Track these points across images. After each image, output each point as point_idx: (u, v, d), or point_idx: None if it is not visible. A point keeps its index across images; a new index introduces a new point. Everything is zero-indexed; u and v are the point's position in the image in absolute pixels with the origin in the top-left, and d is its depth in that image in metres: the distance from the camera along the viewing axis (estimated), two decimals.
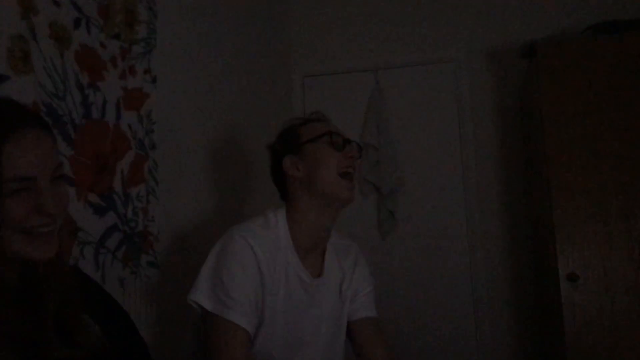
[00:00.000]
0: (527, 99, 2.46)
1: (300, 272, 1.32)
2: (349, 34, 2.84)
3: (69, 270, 0.89)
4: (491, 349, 2.52)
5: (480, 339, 2.50)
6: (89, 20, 1.46)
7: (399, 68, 2.80)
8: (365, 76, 2.81)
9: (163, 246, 1.70)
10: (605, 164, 2.11)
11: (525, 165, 2.55)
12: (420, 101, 2.73)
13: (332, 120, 1.42)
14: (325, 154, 1.31)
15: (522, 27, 2.64)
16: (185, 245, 1.75)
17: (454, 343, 2.51)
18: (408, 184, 2.68)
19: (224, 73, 2.15)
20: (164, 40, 1.73)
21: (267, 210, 1.37)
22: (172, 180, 1.77)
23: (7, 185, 0.75)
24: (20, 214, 0.77)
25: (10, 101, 0.85)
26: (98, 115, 1.51)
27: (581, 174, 2.11)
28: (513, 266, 2.55)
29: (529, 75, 2.40)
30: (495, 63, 2.70)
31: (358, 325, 1.44)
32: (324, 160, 1.31)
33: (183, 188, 1.84)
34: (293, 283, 1.31)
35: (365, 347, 1.40)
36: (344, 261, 1.44)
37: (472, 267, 2.60)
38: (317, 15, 2.79)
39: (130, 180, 1.61)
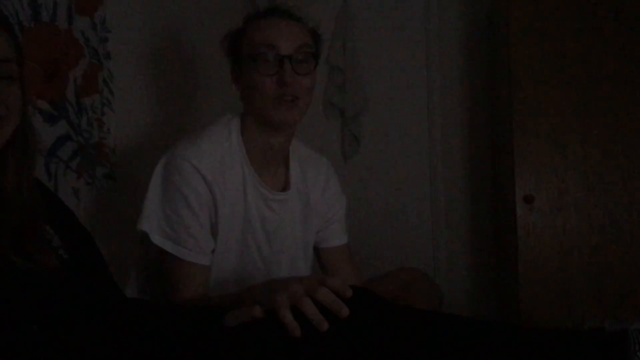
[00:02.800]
0: (495, 17, 2.45)
1: (259, 186, 1.28)
2: None
3: (31, 184, 0.90)
4: (448, 271, 2.59)
5: (437, 263, 2.58)
6: None
7: None
8: None
9: (119, 158, 1.71)
10: (569, 85, 2.12)
11: (489, 87, 2.56)
12: (388, 23, 2.68)
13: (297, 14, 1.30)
14: (256, 77, 1.22)
15: None
16: (140, 157, 1.76)
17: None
18: (373, 109, 2.68)
19: None
20: None
21: (224, 116, 1.32)
22: (128, 91, 1.75)
23: None
24: None
25: None
26: (48, 19, 1.48)
27: (543, 94, 2.12)
28: (472, 188, 2.60)
29: None
30: None
31: (328, 253, 1.44)
32: (255, 84, 1.23)
33: (140, 99, 1.83)
34: (253, 198, 1.28)
35: (335, 275, 1.36)
36: (311, 174, 1.41)
37: (432, 191, 2.64)
38: None
39: (84, 89, 1.60)
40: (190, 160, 1.20)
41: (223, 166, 1.24)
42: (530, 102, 2.13)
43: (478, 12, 2.59)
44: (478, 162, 2.62)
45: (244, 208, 1.27)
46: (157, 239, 1.22)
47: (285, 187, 1.34)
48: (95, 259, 0.98)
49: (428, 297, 1.32)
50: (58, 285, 0.82)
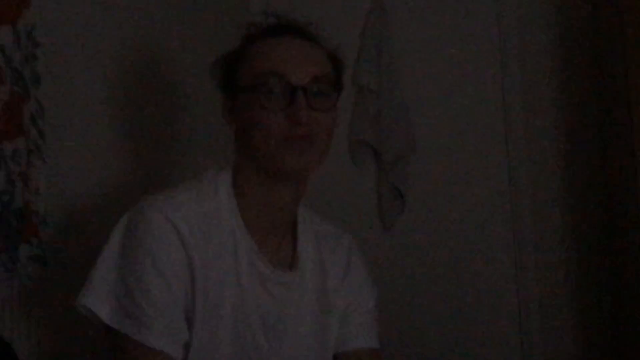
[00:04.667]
0: (601, 25, 2.39)
1: (256, 260, 1.28)
2: None
3: None
4: None
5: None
6: None
7: None
8: None
9: (52, 231, 1.60)
10: None
11: (598, 126, 2.45)
12: (443, 26, 2.57)
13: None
14: (259, 114, 1.24)
15: None
16: (85, 229, 1.66)
17: None
18: (423, 149, 2.57)
19: None
20: None
21: (206, 172, 1.34)
22: (66, 132, 1.66)
23: None
24: None
25: None
26: None
27: None
28: (578, 270, 2.47)
29: None
30: None
31: (351, 358, 1.41)
32: (257, 122, 1.25)
33: (82, 144, 1.72)
34: (247, 276, 1.28)
35: None
36: (328, 255, 1.42)
37: (518, 271, 2.49)
38: None
39: (3, 131, 1.50)
40: (165, 212, 1.22)
41: (208, 229, 1.25)
42: None
43: (575, 9, 2.50)
44: (585, 230, 2.47)
45: (235, 289, 1.26)
46: (108, 317, 1.20)
47: (291, 265, 1.34)
48: None
49: None
50: None
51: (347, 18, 2.66)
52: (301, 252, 1.37)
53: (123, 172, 1.87)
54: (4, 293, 1.46)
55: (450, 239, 2.56)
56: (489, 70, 2.59)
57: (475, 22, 2.60)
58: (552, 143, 2.52)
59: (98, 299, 1.21)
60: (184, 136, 2.11)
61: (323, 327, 1.39)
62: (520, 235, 2.51)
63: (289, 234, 1.37)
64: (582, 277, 2.49)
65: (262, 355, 1.30)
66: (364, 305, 1.46)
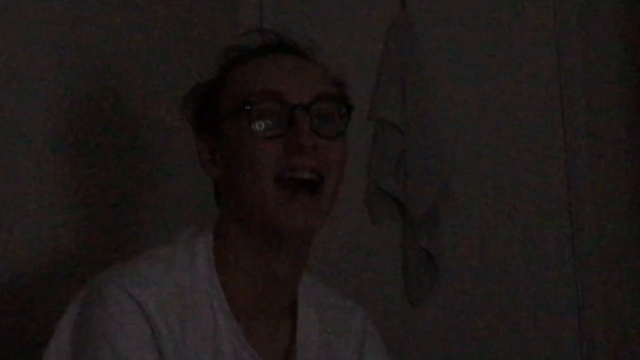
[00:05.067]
0: None
1: (241, 351, 1.21)
2: None
3: None
4: None
5: None
6: None
7: None
8: None
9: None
10: None
11: None
12: (487, 44, 2.47)
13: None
14: (249, 142, 1.16)
15: None
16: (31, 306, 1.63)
17: None
18: (461, 202, 2.38)
19: None
20: None
21: (180, 235, 1.26)
22: (10, 186, 1.57)
23: None
24: None
25: None
26: None
27: None
28: None
29: None
30: None
31: None
32: (247, 153, 1.16)
33: (34, 201, 1.65)
34: None
35: None
36: (337, 337, 1.35)
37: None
38: None
39: None
40: (127, 288, 1.14)
41: (182, 310, 1.18)
42: None
43: None
44: None
45: None
46: None
47: (288, 356, 1.29)
48: None
49: None
50: None
51: (363, 37, 2.59)
52: (302, 339, 1.28)
53: (77, 235, 1.75)
54: None
55: (494, 315, 2.41)
56: (546, 95, 2.45)
57: (529, 38, 2.47)
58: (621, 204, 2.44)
59: None
60: (153, 190, 1.98)
61: None
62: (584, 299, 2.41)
63: (287, 315, 1.28)
64: None
65: None
66: None
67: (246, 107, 1.13)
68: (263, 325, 1.25)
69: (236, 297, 1.21)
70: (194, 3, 2.31)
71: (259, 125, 1.13)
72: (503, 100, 2.45)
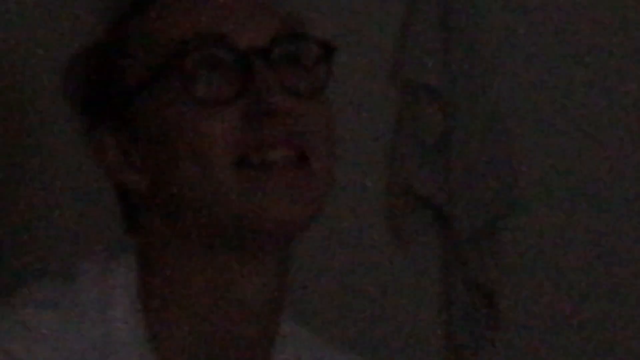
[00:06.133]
0: None
1: None
2: None
3: None
4: None
5: None
6: None
7: None
8: None
9: None
10: None
11: None
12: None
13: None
14: (185, 117, 0.89)
15: None
16: None
17: None
18: (532, 214, 1.93)
19: None
20: None
21: (83, 264, 0.97)
22: None
23: None
24: None
25: None
26: None
27: None
28: None
29: None
30: None
31: None
32: (183, 136, 0.89)
33: None
34: None
35: None
36: None
37: None
38: None
39: None
40: (8, 351, 0.93)
41: None
42: None
43: None
44: None
45: None
46: None
47: None
48: None
49: None
50: None
51: None
52: None
53: None
54: None
55: None
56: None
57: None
58: None
59: None
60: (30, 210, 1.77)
61: None
62: None
63: None
64: None
65: None
66: None
67: (176, 62, 0.90)
68: None
69: (173, 349, 0.98)
70: None
71: (200, 88, 0.88)
72: (582, 73, 1.98)
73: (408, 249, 1.88)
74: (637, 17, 2.00)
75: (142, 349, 0.89)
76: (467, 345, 1.84)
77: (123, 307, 0.90)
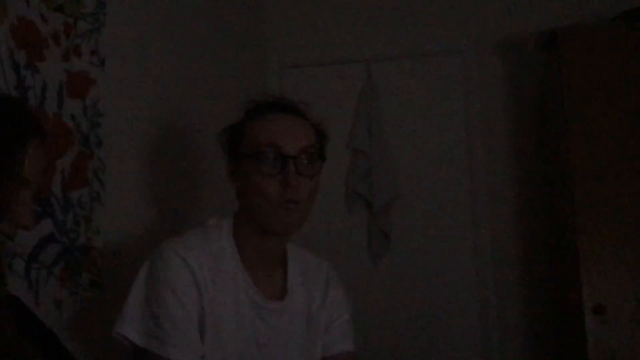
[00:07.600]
0: (546, 98, 2.53)
1: (252, 294, 1.36)
2: (337, 18, 2.90)
3: (4, 301, 0.99)
4: None
5: None
6: None
7: (396, 60, 2.86)
8: (355, 69, 2.88)
9: (107, 262, 1.72)
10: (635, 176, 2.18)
11: (544, 178, 2.60)
12: (420, 99, 2.81)
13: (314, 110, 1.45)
14: (257, 178, 1.34)
15: (540, 14, 2.71)
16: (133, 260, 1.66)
17: None
18: (405, 198, 2.74)
19: (183, 60, 2.20)
20: (114, 18, 1.79)
21: (209, 219, 1.43)
22: (121, 184, 1.80)
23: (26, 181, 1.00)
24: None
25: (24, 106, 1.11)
26: (36, 103, 1.54)
27: (612, 188, 2.16)
28: (529, 299, 2.60)
29: (549, 71, 2.47)
30: (508, 55, 2.76)
31: None
32: (255, 185, 1.34)
33: (134, 194, 1.88)
34: (244, 308, 1.35)
35: None
36: (312, 280, 1.49)
37: (480, 298, 2.63)
38: None
39: (72, 182, 1.64)
40: (178, 252, 1.30)
41: (214, 266, 1.33)
42: (594, 197, 2.16)
43: (526, 83, 2.69)
44: (534, 265, 2.60)
45: (235, 316, 1.34)
46: (138, 340, 1.29)
47: (282, 295, 1.42)
48: None
49: None
50: None
51: (344, 95, 2.81)
52: (290, 283, 1.44)
53: (155, 217, 1.96)
54: (69, 311, 1.57)
55: (425, 273, 2.70)
56: (457, 135, 2.77)
57: (445, 97, 2.78)
58: (506, 201, 2.70)
59: (130, 326, 1.30)
60: (203, 191, 2.18)
61: (310, 343, 1.45)
62: (481, 259, 2.65)
63: (280, 267, 1.45)
64: None
65: None
66: (342, 316, 1.52)
67: (257, 154, 1.33)
68: (264, 275, 1.41)
69: (247, 259, 1.38)
70: (229, 62, 2.52)
71: (262, 167, 1.32)
72: (429, 138, 2.78)
73: (353, 214, 2.77)
74: None
75: (234, 254, 1.38)
76: (377, 255, 2.67)
77: (226, 237, 1.39)
